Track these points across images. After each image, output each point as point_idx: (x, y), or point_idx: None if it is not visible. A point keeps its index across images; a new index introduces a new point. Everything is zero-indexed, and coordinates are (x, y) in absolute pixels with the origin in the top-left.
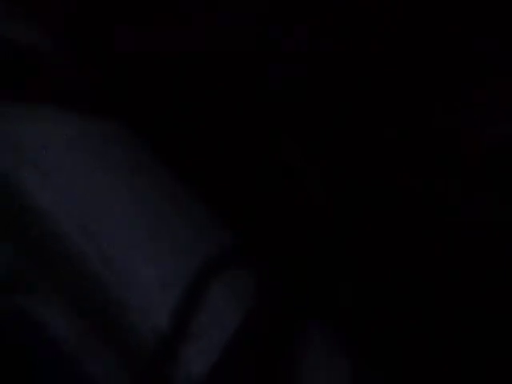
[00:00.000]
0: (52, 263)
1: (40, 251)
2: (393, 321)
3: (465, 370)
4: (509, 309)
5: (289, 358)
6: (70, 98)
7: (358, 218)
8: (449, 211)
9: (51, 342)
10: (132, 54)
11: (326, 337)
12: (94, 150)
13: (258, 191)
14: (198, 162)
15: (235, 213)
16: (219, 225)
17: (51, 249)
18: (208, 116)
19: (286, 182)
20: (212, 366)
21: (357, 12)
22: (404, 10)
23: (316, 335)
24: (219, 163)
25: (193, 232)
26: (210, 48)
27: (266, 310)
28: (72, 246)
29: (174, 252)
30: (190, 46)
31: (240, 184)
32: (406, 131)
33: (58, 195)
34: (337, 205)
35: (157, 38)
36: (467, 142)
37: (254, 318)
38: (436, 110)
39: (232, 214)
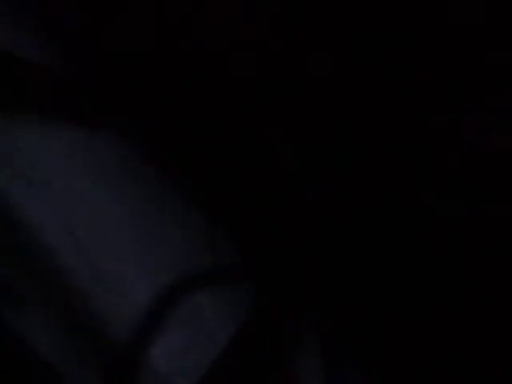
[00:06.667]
0: (40, 276)
1: (29, 264)
2: (391, 320)
3: (465, 370)
4: (507, 308)
5: (280, 372)
6: (62, 109)
7: (356, 218)
8: (449, 211)
9: (33, 356)
10: (124, 56)
11: (323, 346)
12: (87, 162)
13: (256, 197)
14: (195, 169)
15: (232, 222)
16: (217, 235)
17: (40, 261)
18: (205, 121)
19: (284, 184)
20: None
21: (357, 12)
22: (405, 11)
23: (313, 347)
24: (218, 170)
25: (188, 244)
26: (205, 48)
27: (260, 326)
28: (62, 259)
29: (169, 266)
30: (183, 47)
31: (237, 190)
32: (406, 131)
33: (49, 207)
34: (336, 205)
35: (151, 39)
36: (468, 143)
37: (245, 335)
38: (437, 110)
39: (229, 223)
